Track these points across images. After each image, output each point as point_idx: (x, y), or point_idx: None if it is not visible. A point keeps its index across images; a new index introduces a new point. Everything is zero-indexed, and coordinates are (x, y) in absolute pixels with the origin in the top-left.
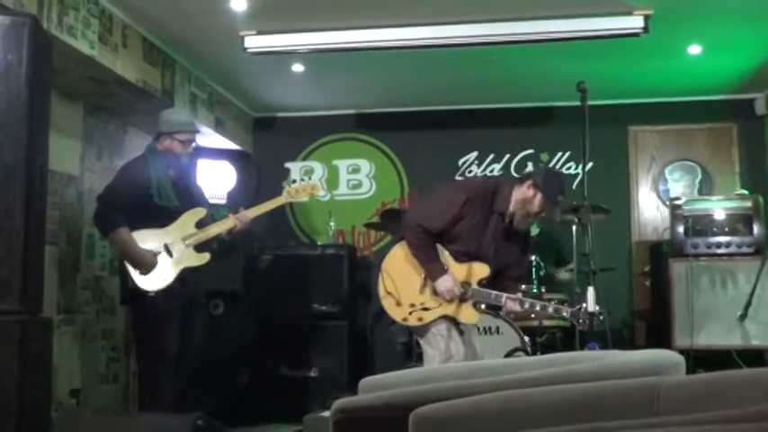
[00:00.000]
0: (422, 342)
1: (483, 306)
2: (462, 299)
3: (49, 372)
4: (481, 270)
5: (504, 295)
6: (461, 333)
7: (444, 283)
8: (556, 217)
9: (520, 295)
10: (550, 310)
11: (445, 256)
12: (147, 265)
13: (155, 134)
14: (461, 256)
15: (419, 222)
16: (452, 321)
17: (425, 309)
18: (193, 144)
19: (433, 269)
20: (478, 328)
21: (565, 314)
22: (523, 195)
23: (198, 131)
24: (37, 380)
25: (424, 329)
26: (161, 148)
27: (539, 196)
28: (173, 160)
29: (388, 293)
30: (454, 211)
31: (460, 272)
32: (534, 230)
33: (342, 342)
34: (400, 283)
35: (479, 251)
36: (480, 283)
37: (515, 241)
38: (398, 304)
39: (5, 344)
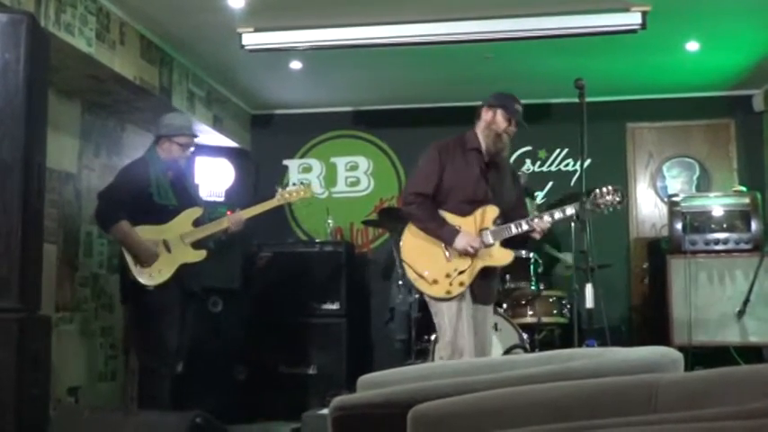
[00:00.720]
0: (437, 324)
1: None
2: (487, 245)
3: (48, 370)
4: (491, 212)
5: (523, 221)
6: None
7: (462, 241)
8: (524, 123)
9: (536, 212)
10: (569, 211)
11: (449, 218)
12: (149, 255)
13: (155, 137)
14: (464, 206)
15: (415, 192)
16: (463, 302)
17: (461, 272)
18: (192, 148)
19: (444, 234)
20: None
21: (589, 206)
22: (485, 121)
23: (197, 135)
24: (35, 378)
25: (440, 307)
26: (160, 151)
27: (498, 111)
28: (171, 163)
29: (420, 276)
30: (436, 164)
31: (471, 223)
32: None
33: (340, 339)
34: (425, 261)
35: (476, 191)
36: (495, 223)
37: (506, 178)
38: (435, 282)
39: (4, 342)
